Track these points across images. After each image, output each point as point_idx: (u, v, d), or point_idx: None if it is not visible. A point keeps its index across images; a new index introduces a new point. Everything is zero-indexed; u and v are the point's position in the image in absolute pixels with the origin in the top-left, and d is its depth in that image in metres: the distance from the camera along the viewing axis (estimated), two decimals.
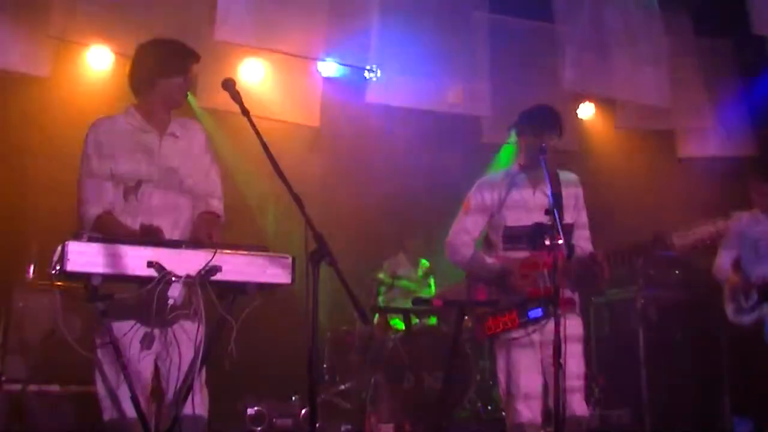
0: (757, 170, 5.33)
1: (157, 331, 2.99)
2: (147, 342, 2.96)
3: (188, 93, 3.51)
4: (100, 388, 3.15)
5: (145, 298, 2.75)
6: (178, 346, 3.11)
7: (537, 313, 3.71)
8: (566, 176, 3.99)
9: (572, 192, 3.96)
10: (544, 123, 3.87)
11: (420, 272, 7.22)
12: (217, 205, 3.47)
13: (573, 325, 3.67)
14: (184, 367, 3.10)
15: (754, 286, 5.03)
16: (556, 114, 3.92)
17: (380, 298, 6.86)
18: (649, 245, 3.71)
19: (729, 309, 5.19)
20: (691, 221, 3.70)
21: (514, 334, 3.76)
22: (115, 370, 3.04)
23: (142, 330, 3.00)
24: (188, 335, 3.12)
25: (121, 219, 3.22)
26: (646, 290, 6.40)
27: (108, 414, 3.13)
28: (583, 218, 4.03)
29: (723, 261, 5.23)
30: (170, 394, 3.16)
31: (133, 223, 3.20)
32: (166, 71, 3.34)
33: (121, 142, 3.29)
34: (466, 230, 3.99)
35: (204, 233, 3.25)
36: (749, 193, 5.24)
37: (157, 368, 3.20)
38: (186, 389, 3.03)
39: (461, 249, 3.97)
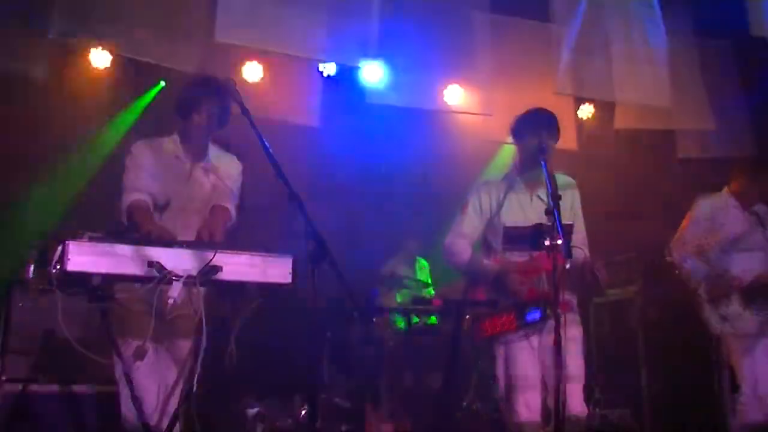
0: (760, 167, 4.81)
1: (149, 345, 3.01)
2: (139, 354, 2.98)
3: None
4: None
5: (144, 299, 2.76)
6: (164, 366, 3.15)
7: (534, 316, 3.70)
8: (563, 179, 3.95)
9: (569, 195, 3.95)
10: (542, 124, 3.88)
11: (419, 273, 7.21)
12: (230, 205, 3.60)
13: (571, 325, 3.65)
14: (169, 384, 3.18)
15: (733, 288, 4.56)
16: (553, 116, 3.93)
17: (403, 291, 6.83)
18: (648, 257, 3.69)
19: (710, 316, 4.64)
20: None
21: (512, 337, 3.76)
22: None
23: (134, 344, 3.03)
24: (174, 358, 3.22)
25: None
26: (646, 290, 6.39)
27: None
28: (580, 223, 4.03)
29: (689, 255, 4.68)
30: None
31: None
32: (197, 105, 3.52)
33: (159, 166, 3.48)
34: (463, 233, 4.00)
35: (208, 230, 3.29)
36: (732, 181, 4.78)
37: None
38: (188, 387, 3.05)
39: (458, 252, 3.98)
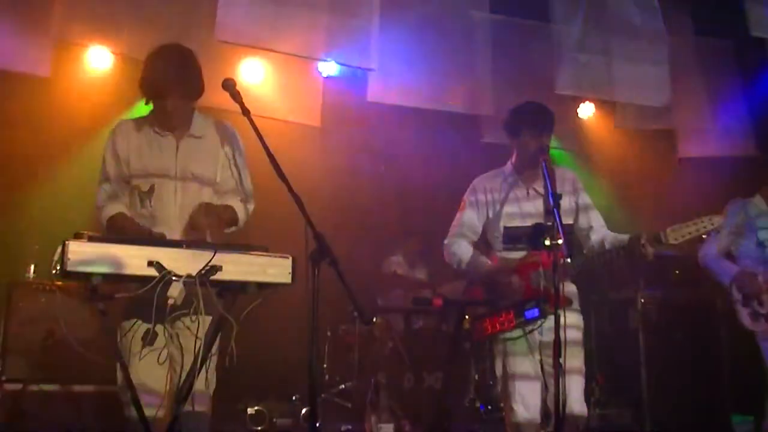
0: None
1: (160, 327, 2.99)
2: (149, 338, 2.97)
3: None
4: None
5: (145, 298, 2.76)
6: (181, 343, 3.12)
7: (533, 313, 3.69)
8: (562, 173, 3.92)
9: (568, 188, 3.92)
10: (538, 121, 3.85)
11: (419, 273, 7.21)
12: (237, 204, 3.46)
13: (572, 322, 3.63)
14: (187, 366, 3.09)
15: (765, 288, 4.65)
16: (548, 110, 3.91)
17: None
18: (643, 244, 3.66)
19: (743, 314, 4.75)
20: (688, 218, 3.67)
21: (511, 335, 3.76)
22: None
23: (144, 327, 3.01)
24: (192, 331, 3.13)
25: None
26: (646, 290, 6.39)
27: (127, 411, 3.14)
28: (587, 200, 3.99)
29: (714, 252, 4.84)
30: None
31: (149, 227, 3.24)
32: (158, 94, 3.29)
33: (137, 146, 3.35)
34: (462, 233, 4.00)
35: (199, 221, 3.23)
36: (764, 185, 4.92)
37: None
38: (188, 387, 3.03)
39: (457, 251, 3.98)
